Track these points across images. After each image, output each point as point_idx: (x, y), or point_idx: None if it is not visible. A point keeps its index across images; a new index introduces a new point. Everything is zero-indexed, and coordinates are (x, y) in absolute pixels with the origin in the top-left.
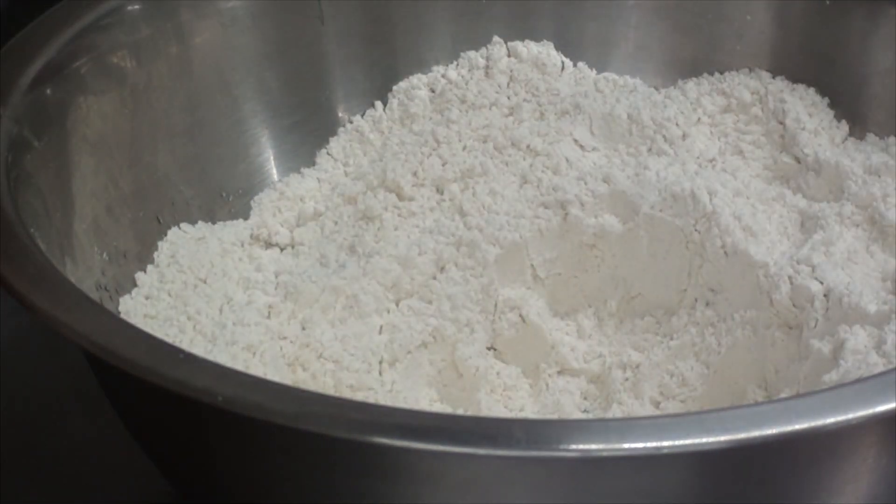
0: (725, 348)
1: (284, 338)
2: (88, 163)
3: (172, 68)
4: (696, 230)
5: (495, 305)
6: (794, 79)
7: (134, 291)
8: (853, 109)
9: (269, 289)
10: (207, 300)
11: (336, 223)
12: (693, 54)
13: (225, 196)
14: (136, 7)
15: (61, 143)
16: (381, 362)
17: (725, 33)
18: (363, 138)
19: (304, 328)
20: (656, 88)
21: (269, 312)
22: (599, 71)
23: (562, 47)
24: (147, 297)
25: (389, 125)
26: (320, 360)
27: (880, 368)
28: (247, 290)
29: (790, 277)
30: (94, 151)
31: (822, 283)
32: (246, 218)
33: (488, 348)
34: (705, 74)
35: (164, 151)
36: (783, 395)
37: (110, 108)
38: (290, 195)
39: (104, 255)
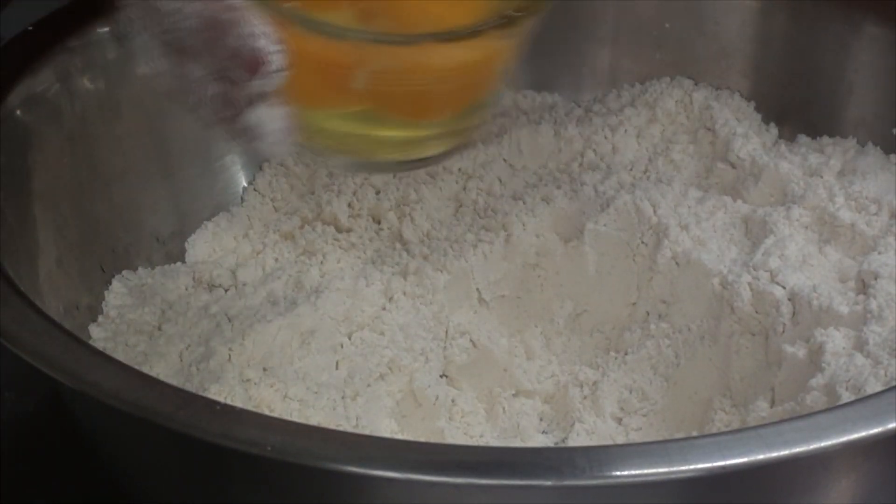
0: (685, 359)
1: (248, 380)
2: (38, 215)
3: (104, 111)
4: (643, 243)
5: (446, 332)
6: (717, 85)
7: (90, 344)
8: (779, 112)
9: (224, 331)
10: (166, 348)
11: (277, 260)
12: (612, 65)
13: (160, 240)
14: (66, 52)
15: (13, 200)
16: (343, 397)
17: (643, 42)
18: (288, 172)
19: (265, 369)
20: (576, 103)
21: (230, 355)
22: (519, 88)
23: None
24: (104, 350)
25: (313, 157)
26: (286, 400)
27: (868, 370)
28: (202, 335)
29: (749, 284)
30: (41, 203)
31: (784, 287)
32: (183, 261)
33: (441, 376)
34: (625, 85)
35: (101, 198)
36: (759, 403)
37: (52, 158)
38: (224, 235)
39: (60, 308)
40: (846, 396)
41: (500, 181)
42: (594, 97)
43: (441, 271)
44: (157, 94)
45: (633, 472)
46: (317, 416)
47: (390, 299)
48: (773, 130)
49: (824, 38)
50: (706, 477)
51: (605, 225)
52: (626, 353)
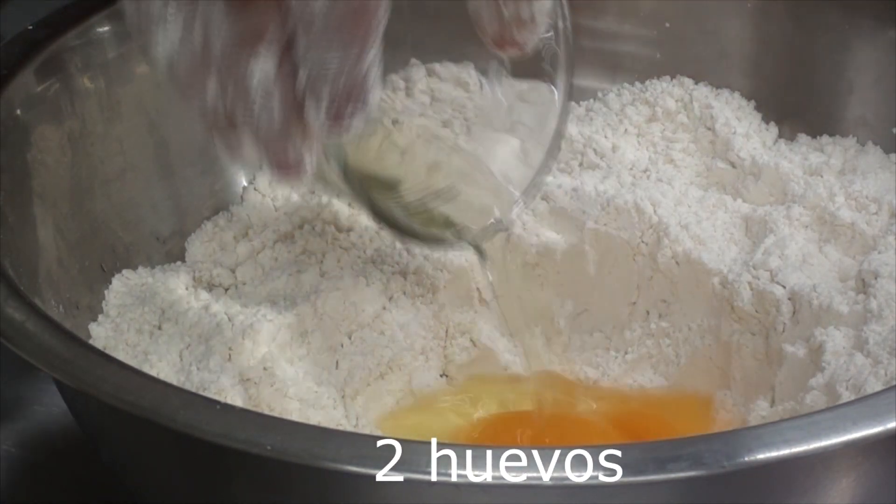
0: (685, 358)
1: (248, 379)
2: (38, 215)
3: (104, 111)
4: (643, 242)
5: (446, 331)
6: (717, 84)
7: (90, 343)
8: (779, 112)
9: (224, 331)
10: (166, 348)
11: (277, 259)
12: (612, 64)
13: (160, 240)
14: (66, 51)
15: (13, 199)
16: (343, 397)
17: (643, 42)
18: None
19: (265, 368)
20: (576, 101)
21: (230, 355)
22: None
23: None
24: (105, 349)
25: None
26: (286, 399)
27: (868, 369)
28: (202, 334)
29: (750, 283)
30: (41, 202)
31: (784, 286)
32: (183, 260)
33: (441, 375)
34: (626, 84)
35: (101, 197)
36: (759, 402)
37: (52, 158)
38: (224, 234)
39: (60, 307)
40: (846, 396)
41: None
42: (594, 96)
43: (441, 270)
44: (157, 93)
45: (633, 472)
46: (317, 416)
47: (390, 299)
48: (773, 130)
49: (824, 38)
50: (706, 477)
51: (605, 224)
52: (626, 353)
